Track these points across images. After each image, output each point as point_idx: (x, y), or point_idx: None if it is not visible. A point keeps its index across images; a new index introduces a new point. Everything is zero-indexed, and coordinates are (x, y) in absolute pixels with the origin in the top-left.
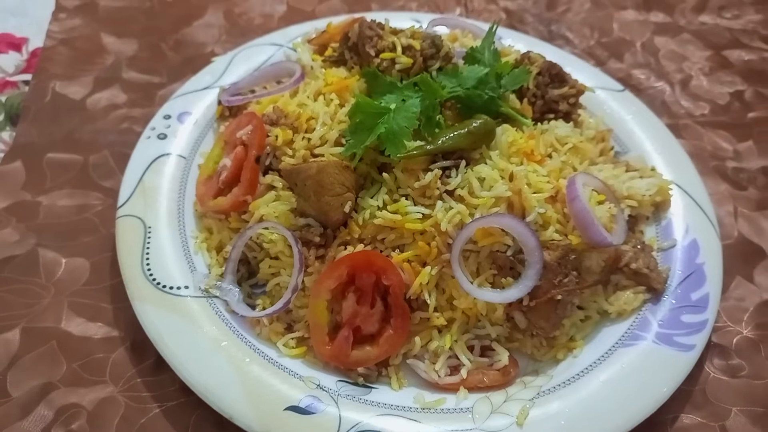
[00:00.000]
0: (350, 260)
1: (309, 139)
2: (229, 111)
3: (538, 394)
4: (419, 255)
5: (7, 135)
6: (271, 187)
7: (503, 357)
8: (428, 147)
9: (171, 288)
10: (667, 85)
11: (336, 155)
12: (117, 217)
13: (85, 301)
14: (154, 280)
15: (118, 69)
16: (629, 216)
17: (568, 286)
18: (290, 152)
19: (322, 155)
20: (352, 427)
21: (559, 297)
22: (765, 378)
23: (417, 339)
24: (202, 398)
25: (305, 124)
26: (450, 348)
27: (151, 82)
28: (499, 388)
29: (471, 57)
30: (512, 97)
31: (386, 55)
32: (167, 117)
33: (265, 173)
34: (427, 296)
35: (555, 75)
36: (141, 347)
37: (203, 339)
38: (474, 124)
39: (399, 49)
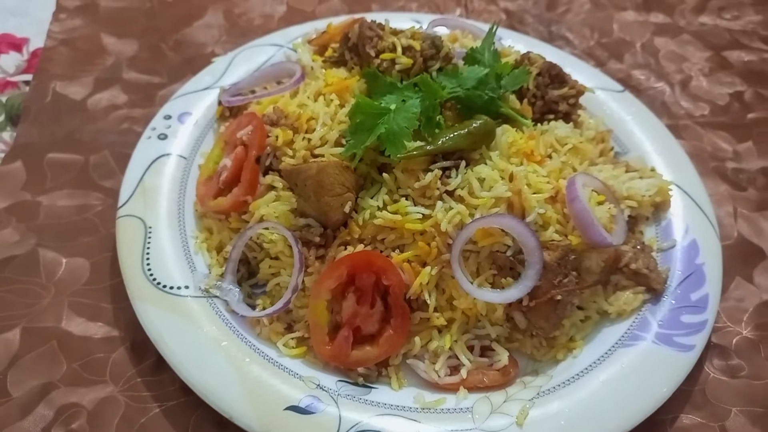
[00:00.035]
0: (350, 260)
1: (309, 140)
2: (229, 111)
3: (538, 394)
4: (419, 255)
5: (7, 135)
6: (272, 188)
7: (503, 357)
8: (428, 147)
9: (171, 288)
10: (666, 85)
11: (336, 155)
12: (117, 217)
13: (85, 301)
14: (154, 280)
15: (118, 69)
16: (629, 216)
17: (568, 287)
18: (290, 152)
19: (323, 155)
20: (352, 426)
21: (559, 297)
22: (764, 378)
23: (417, 339)
24: (202, 398)
25: (305, 125)
26: (450, 348)
27: (152, 83)
28: (498, 388)
29: (471, 58)
30: (512, 97)
31: (386, 55)
32: (168, 117)
33: (265, 173)
34: (427, 296)
35: (555, 75)
36: (141, 347)
37: (203, 339)
38: (474, 125)
39: (399, 49)
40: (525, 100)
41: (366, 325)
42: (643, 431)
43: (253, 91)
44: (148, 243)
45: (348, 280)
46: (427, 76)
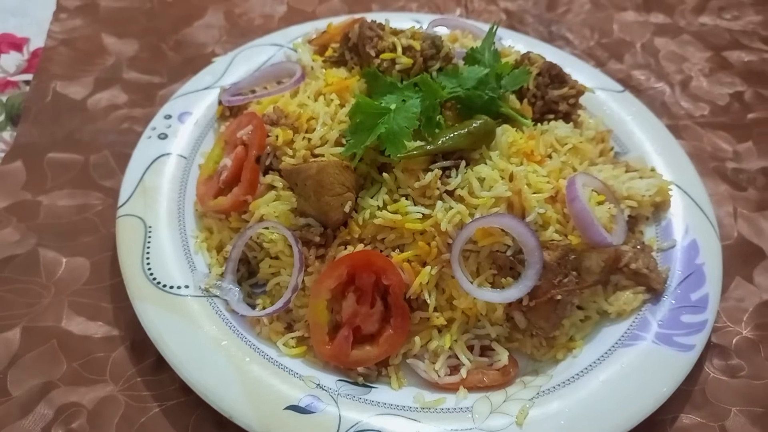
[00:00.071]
0: (350, 260)
1: (309, 139)
2: (229, 111)
3: (538, 393)
4: (419, 255)
5: (7, 135)
6: (272, 187)
7: (503, 357)
8: (428, 147)
9: (171, 287)
10: (667, 86)
11: (336, 155)
12: (117, 216)
13: (85, 300)
14: (154, 279)
15: (118, 69)
16: (629, 216)
17: (568, 286)
18: (290, 152)
19: (323, 155)
20: (352, 426)
21: (559, 297)
22: (764, 378)
23: (417, 339)
24: (202, 398)
25: (305, 124)
26: (450, 348)
27: (152, 83)
28: (498, 387)
29: (471, 57)
30: (512, 97)
31: (386, 55)
32: (168, 117)
33: (265, 173)
34: (427, 296)
35: (555, 76)
36: (141, 346)
37: (203, 338)
38: (474, 125)
39: (399, 49)
40: (525, 100)
41: (366, 324)
42: (643, 431)
43: (253, 91)
44: (148, 242)
45: (348, 280)
46: (427, 76)
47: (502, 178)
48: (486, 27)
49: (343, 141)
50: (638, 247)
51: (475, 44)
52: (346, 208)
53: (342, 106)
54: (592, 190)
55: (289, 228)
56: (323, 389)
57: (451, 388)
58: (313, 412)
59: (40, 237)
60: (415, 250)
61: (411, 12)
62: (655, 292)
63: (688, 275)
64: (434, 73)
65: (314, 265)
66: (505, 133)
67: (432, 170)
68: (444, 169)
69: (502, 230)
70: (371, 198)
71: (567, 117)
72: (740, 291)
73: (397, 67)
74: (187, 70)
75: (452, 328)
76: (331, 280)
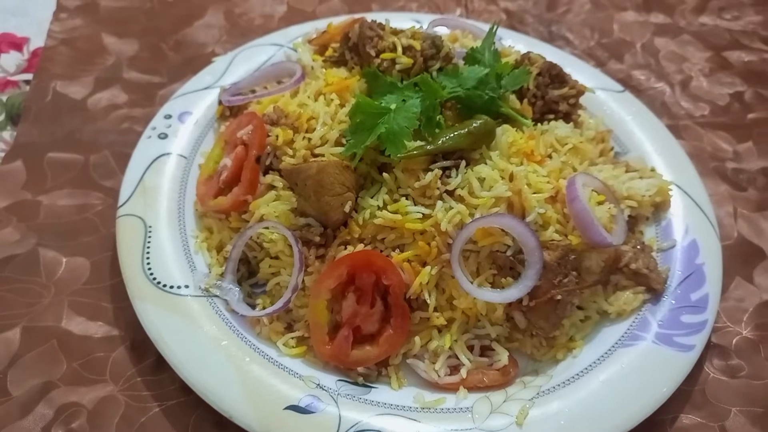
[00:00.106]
0: (350, 260)
1: (309, 139)
2: (229, 111)
3: (538, 394)
4: (419, 255)
5: (7, 134)
6: (272, 187)
7: (503, 357)
8: (428, 147)
9: (171, 287)
10: (667, 86)
11: (336, 155)
12: (117, 216)
13: (85, 300)
14: (154, 279)
15: (118, 69)
16: (629, 216)
17: (568, 286)
18: (290, 152)
19: (323, 155)
20: (352, 426)
21: (559, 297)
22: (764, 378)
23: (417, 339)
24: (202, 397)
25: (306, 124)
26: (450, 348)
27: (152, 82)
28: (498, 388)
29: (471, 57)
30: (512, 97)
31: (387, 55)
32: (168, 117)
33: (265, 173)
34: (427, 296)
35: (555, 75)
36: (141, 346)
37: (203, 338)
38: (474, 125)
39: (399, 49)
40: (525, 100)
41: (366, 324)
42: (643, 431)
43: (253, 91)
44: (148, 242)
45: (348, 280)
46: (427, 75)
47: (502, 178)
48: (486, 27)
49: (343, 141)
50: (638, 247)
51: (475, 44)
52: (346, 208)
53: (342, 106)
54: (592, 190)
55: (289, 228)
56: (323, 389)
57: (451, 388)
58: (313, 412)
59: (40, 237)
60: (415, 250)
61: (411, 12)
62: (655, 292)
63: (688, 275)
64: (434, 73)
65: (314, 265)
66: (505, 133)
67: (432, 170)
68: (444, 169)
69: (502, 230)
70: (371, 198)
71: (567, 117)
72: (740, 291)
73: (398, 67)
74: (187, 70)
75: (452, 328)
76: (331, 280)
